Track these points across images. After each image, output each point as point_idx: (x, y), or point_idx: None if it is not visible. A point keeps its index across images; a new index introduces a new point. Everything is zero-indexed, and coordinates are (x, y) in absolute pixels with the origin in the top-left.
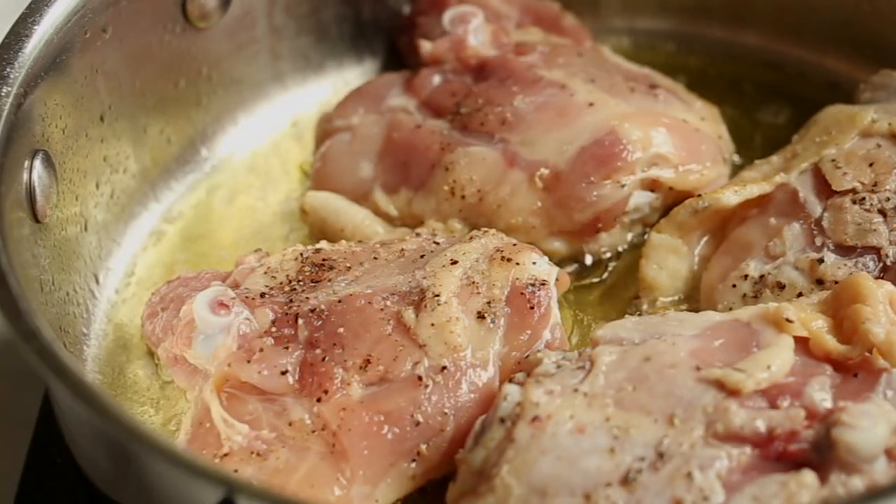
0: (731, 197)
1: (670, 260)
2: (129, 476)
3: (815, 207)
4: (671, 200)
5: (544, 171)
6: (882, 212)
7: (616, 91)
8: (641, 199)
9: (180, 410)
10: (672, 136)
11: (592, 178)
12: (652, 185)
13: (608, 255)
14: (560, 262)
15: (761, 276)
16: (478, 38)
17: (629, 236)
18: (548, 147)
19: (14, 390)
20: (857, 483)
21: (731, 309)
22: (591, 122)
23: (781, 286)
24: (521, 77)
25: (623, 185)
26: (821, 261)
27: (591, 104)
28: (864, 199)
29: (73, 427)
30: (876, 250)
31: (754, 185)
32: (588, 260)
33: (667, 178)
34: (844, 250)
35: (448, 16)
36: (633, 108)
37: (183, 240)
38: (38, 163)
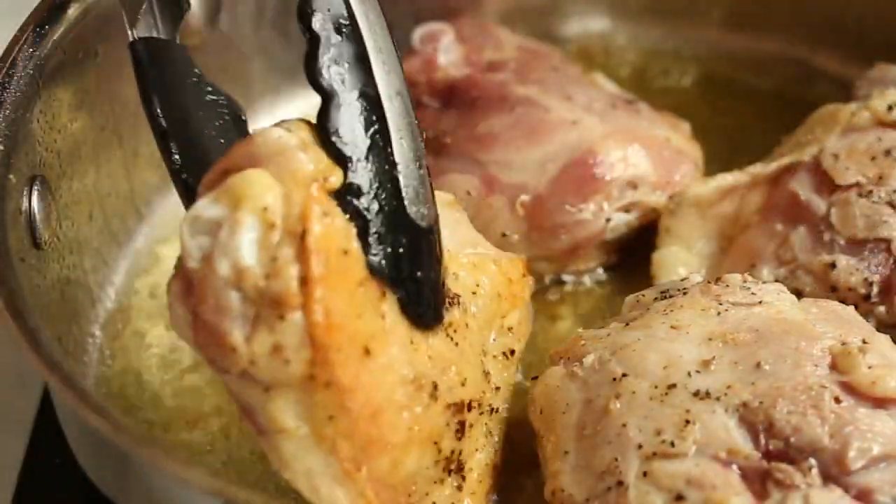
0: (701, 188)
1: (682, 272)
2: (130, 478)
3: (819, 205)
4: (649, 220)
5: (525, 199)
6: (891, 204)
7: (594, 107)
8: (619, 220)
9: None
10: (653, 156)
11: (572, 204)
12: (629, 207)
13: (589, 274)
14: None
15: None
16: (448, 56)
17: (608, 256)
18: (526, 168)
19: (11, 390)
20: None
21: None
22: (569, 140)
23: (798, 293)
24: (494, 95)
25: (607, 218)
26: (833, 265)
27: (568, 122)
28: (870, 192)
29: (75, 432)
30: (886, 242)
31: (728, 174)
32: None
33: (648, 201)
34: (855, 245)
35: (418, 34)
36: (613, 126)
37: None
38: (35, 188)
